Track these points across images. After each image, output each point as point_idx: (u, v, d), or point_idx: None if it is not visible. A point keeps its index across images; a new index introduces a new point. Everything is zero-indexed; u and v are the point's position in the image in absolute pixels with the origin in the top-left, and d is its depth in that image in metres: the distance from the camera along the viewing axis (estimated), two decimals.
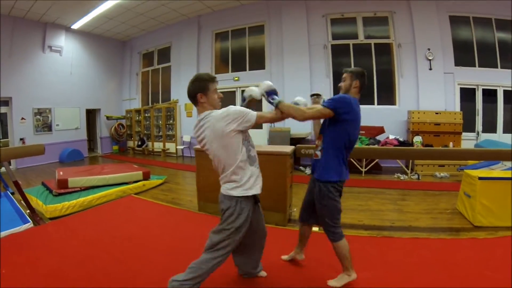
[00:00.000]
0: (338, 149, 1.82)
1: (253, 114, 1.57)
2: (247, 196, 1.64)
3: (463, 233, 3.00)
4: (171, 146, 8.45)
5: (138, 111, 9.34)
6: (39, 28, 7.45)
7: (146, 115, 9.10)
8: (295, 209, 3.38)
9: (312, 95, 2.25)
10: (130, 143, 9.60)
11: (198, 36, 8.04)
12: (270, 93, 1.80)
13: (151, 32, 9.02)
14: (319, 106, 1.82)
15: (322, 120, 1.99)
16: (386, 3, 6.57)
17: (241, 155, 1.59)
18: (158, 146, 8.77)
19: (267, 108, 6.24)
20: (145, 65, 9.58)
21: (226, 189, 1.66)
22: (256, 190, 1.67)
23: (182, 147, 8.17)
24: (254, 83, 7.35)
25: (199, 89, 1.61)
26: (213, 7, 7.61)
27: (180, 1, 7.05)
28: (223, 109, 1.58)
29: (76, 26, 7.97)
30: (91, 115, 9.28)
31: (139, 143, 9.16)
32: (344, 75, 1.94)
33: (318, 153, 1.92)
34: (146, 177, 4.76)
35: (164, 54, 8.98)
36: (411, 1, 6.49)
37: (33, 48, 7.40)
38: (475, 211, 3.16)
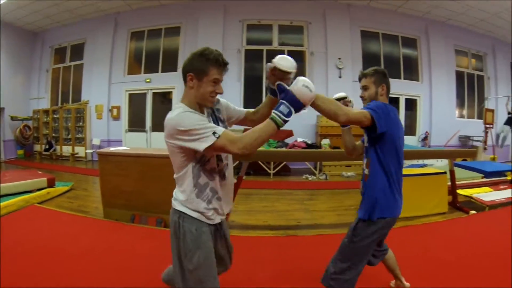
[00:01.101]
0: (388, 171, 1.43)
1: (207, 139, 1.02)
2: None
3: None
4: (80, 150, 7.81)
5: (46, 112, 8.45)
6: None
7: (55, 116, 8.29)
8: None
9: (339, 99, 1.66)
10: (37, 147, 8.65)
11: (114, 34, 7.61)
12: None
13: (65, 26, 8.27)
14: (362, 111, 1.37)
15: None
16: (303, 13, 6.89)
17: (187, 180, 1.15)
18: (66, 150, 8.03)
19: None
20: (56, 61, 8.72)
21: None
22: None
23: (91, 151, 7.59)
24: (166, 86, 7.28)
25: (193, 68, 1.11)
26: (132, 5, 7.29)
27: None
28: (177, 109, 1.10)
29: None
30: None
31: (47, 146, 8.29)
32: (365, 82, 1.53)
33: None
34: (51, 184, 4.43)
35: (78, 51, 8.29)
36: (326, 14, 6.91)
37: None
38: None
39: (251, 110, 1.39)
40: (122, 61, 7.53)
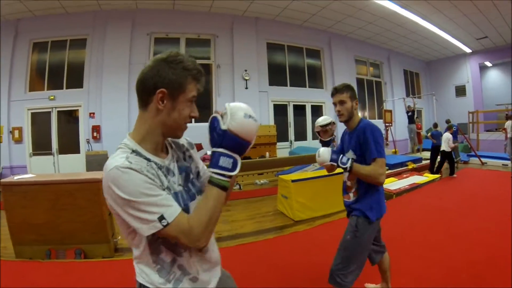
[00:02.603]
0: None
1: (150, 224, 0.71)
2: None
3: (286, 229, 3.49)
4: None
5: None
6: None
7: None
8: (119, 237, 3.23)
9: (326, 125, 1.87)
10: None
11: (14, 43, 7.11)
12: (334, 159, 1.57)
13: None
14: (379, 162, 1.53)
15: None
16: (211, 26, 7.27)
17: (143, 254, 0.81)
18: None
19: None
20: None
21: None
22: None
23: None
24: (71, 103, 6.94)
25: (165, 81, 0.77)
26: (35, 11, 6.89)
27: None
28: (119, 154, 0.76)
29: None
30: None
31: None
32: (341, 97, 1.64)
33: (352, 195, 1.70)
34: None
35: None
36: (234, 28, 7.39)
37: None
38: (294, 208, 3.78)
39: None
40: (23, 75, 7.03)
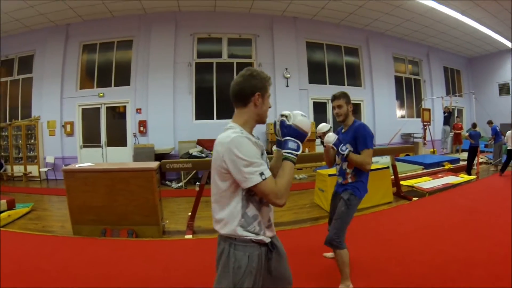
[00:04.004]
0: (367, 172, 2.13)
1: (253, 177, 1.02)
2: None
3: (322, 220, 3.68)
4: (33, 169, 7.72)
5: None
6: None
7: (4, 133, 8.14)
8: (167, 221, 3.69)
9: (325, 132, 2.13)
10: None
11: (65, 46, 7.64)
12: (337, 143, 1.99)
13: (12, 36, 8.14)
14: (367, 152, 2.00)
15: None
16: (251, 27, 7.48)
17: (234, 209, 1.12)
18: (18, 169, 7.90)
19: None
20: (3, 74, 8.54)
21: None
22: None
23: (46, 169, 7.55)
24: (119, 100, 7.46)
25: (257, 87, 1.16)
26: (84, 16, 7.39)
27: (49, 4, 6.60)
28: (232, 130, 1.12)
29: None
30: None
31: None
32: (339, 102, 2.10)
33: (349, 179, 2.13)
34: (10, 206, 4.32)
35: (26, 63, 8.19)
36: (274, 27, 7.56)
37: None
38: (329, 200, 3.84)
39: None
40: (74, 74, 7.58)
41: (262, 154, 1.12)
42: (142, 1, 6.84)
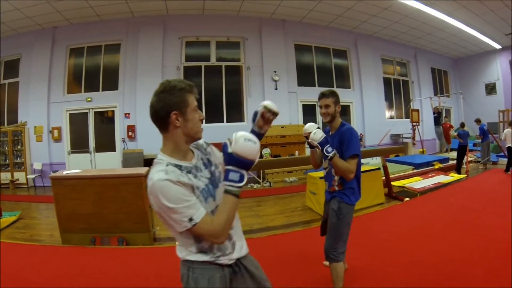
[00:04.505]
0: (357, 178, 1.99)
1: (182, 223, 0.94)
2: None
3: (314, 223, 3.68)
4: (20, 176, 7.60)
5: None
6: None
7: None
8: (158, 228, 3.61)
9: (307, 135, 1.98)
10: None
11: (52, 50, 7.56)
12: (323, 143, 1.81)
13: None
14: (353, 160, 1.85)
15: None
16: (240, 30, 7.52)
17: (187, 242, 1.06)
18: (5, 176, 7.77)
19: None
20: None
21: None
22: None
23: (33, 176, 7.46)
24: (107, 104, 7.43)
25: (171, 106, 0.99)
26: (71, 19, 7.32)
27: (36, 7, 6.53)
28: (159, 166, 0.99)
29: None
30: None
31: None
32: (326, 101, 1.93)
33: (336, 187, 1.98)
34: None
35: (12, 67, 8.09)
36: (262, 30, 7.61)
37: None
38: (321, 204, 3.89)
39: None
40: (61, 79, 7.51)
41: (195, 189, 0.99)
42: (130, 5, 6.82)
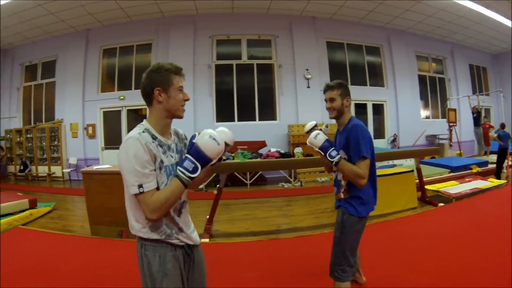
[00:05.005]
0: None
1: (133, 187, 1.01)
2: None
3: None
4: (56, 170, 7.97)
5: (19, 131, 8.58)
6: None
7: (28, 135, 8.45)
8: None
9: (310, 130, 1.88)
10: (11, 168, 8.72)
11: (86, 51, 7.85)
12: (325, 147, 1.60)
13: (35, 42, 8.43)
14: (362, 162, 1.59)
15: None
16: (270, 27, 7.43)
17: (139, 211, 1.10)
18: (42, 170, 8.18)
19: None
20: (27, 79, 8.88)
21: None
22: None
23: (68, 170, 7.79)
24: (140, 102, 7.54)
25: (156, 82, 1.10)
26: (103, 21, 7.57)
27: (69, 11, 6.83)
28: (136, 130, 1.09)
29: None
30: None
31: (22, 167, 8.40)
32: (331, 94, 1.71)
33: (342, 194, 1.75)
34: (32, 205, 4.51)
35: (49, 68, 8.47)
36: (293, 28, 7.49)
37: None
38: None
39: None
40: (95, 78, 7.77)
41: (159, 161, 1.07)
42: (159, 5, 6.92)
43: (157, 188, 1.06)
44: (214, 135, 1.03)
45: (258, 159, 6.13)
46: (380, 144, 7.90)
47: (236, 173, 6.19)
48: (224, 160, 6.16)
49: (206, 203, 4.74)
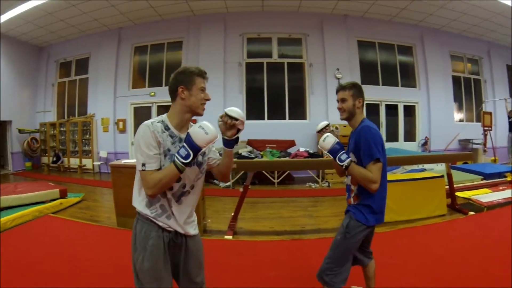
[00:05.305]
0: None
1: (139, 164, 1.20)
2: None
3: (376, 229, 3.50)
4: (87, 162, 8.28)
5: (53, 125, 8.96)
6: None
7: (62, 129, 8.81)
8: (209, 220, 3.73)
9: (321, 130, 1.87)
10: (45, 159, 9.12)
11: (118, 48, 8.10)
12: (334, 150, 1.58)
13: (70, 41, 8.79)
14: (374, 166, 1.52)
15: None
16: (301, 26, 7.37)
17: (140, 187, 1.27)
18: (74, 162, 8.52)
19: None
20: (61, 75, 9.26)
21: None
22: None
23: (99, 163, 8.06)
24: (170, 99, 7.78)
25: (181, 82, 1.27)
26: (135, 20, 7.79)
27: (102, 10, 7.10)
28: (156, 119, 1.29)
29: None
30: (1, 127, 8.68)
31: (54, 159, 8.79)
32: (343, 95, 1.67)
33: (352, 199, 1.70)
34: (63, 195, 4.74)
35: (82, 65, 8.81)
36: (324, 26, 7.41)
37: None
38: (390, 208, 3.66)
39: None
40: (126, 75, 8.00)
41: (164, 149, 1.22)
42: (190, 4, 7.02)
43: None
44: (204, 125, 1.15)
45: (287, 158, 6.09)
46: (410, 147, 7.67)
47: (264, 172, 6.18)
48: (253, 158, 6.19)
49: (232, 200, 4.81)
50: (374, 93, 7.45)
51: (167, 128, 1.24)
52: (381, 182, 1.56)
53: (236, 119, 1.26)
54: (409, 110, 7.94)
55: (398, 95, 7.76)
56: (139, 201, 1.27)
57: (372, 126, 1.60)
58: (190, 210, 1.35)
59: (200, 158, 1.34)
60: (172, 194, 1.26)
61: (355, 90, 1.66)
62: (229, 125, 1.28)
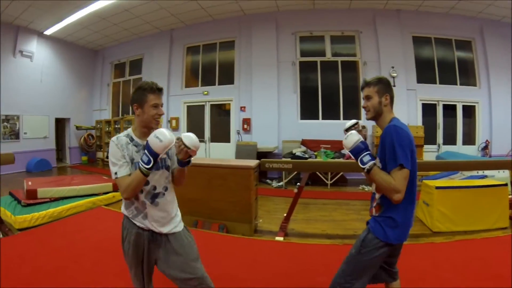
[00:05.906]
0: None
1: (112, 174, 1.39)
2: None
3: (422, 239, 3.36)
4: None
5: (108, 122, 9.61)
6: (11, 31, 7.50)
7: (116, 126, 9.42)
8: (260, 220, 3.77)
9: (349, 128, 1.66)
10: (100, 154, 9.79)
11: (170, 49, 8.45)
12: (357, 150, 1.43)
13: (123, 43, 9.36)
14: (399, 172, 1.34)
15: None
16: (353, 23, 7.25)
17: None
18: None
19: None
20: (116, 76, 9.89)
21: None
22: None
23: None
24: (223, 98, 7.98)
25: (134, 100, 1.42)
26: (186, 21, 8.09)
27: (153, 13, 7.47)
28: (120, 134, 1.47)
29: (49, 32, 8.16)
30: (60, 124, 9.42)
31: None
32: (368, 91, 1.52)
33: (374, 209, 1.53)
34: (116, 188, 4.93)
35: (136, 66, 9.32)
36: (377, 22, 7.23)
37: (3, 51, 7.41)
38: (433, 218, 3.60)
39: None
40: (179, 74, 8.34)
41: (128, 155, 1.40)
42: (240, 4, 7.15)
43: None
44: (159, 134, 1.29)
45: (341, 159, 6.03)
46: (469, 151, 7.31)
47: (317, 173, 6.17)
48: (307, 158, 6.26)
49: (284, 200, 4.85)
50: (431, 92, 7.21)
51: (131, 140, 1.44)
52: (406, 193, 1.35)
53: (189, 148, 1.34)
54: (469, 111, 7.53)
55: (457, 95, 7.41)
56: (122, 203, 1.50)
57: (400, 126, 1.41)
58: (169, 210, 1.51)
59: (168, 162, 1.52)
60: (144, 196, 1.44)
61: (381, 85, 1.50)
62: (181, 150, 1.36)
